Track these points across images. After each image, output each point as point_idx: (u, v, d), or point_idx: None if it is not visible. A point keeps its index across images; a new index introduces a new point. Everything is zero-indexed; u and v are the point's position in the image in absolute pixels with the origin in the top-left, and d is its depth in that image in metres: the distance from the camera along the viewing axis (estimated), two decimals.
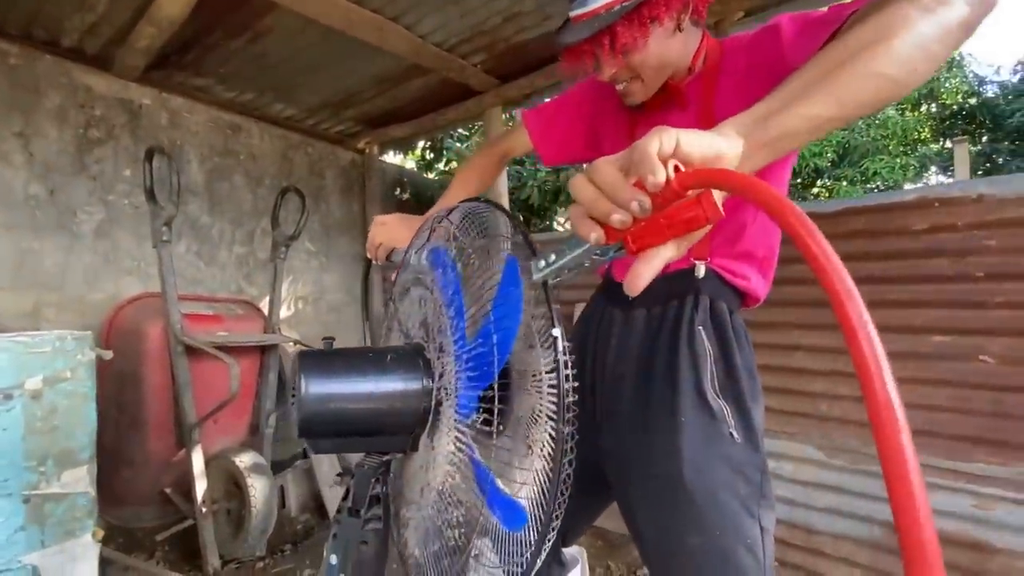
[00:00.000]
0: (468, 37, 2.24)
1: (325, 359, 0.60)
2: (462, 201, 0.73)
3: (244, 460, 2.09)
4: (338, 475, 0.74)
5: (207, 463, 2.03)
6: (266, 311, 2.51)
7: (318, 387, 0.57)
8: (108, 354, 1.15)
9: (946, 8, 0.50)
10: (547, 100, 1.15)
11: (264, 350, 2.41)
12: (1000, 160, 8.99)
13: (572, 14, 0.80)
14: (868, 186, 9.15)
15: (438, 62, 2.37)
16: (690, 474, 0.77)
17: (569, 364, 0.55)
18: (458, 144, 4.25)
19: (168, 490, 2.18)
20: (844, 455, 1.76)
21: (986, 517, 1.50)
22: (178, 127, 2.57)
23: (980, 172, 9.09)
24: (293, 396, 0.62)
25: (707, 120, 0.84)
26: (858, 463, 1.73)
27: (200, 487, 1.97)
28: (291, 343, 2.46)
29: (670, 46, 0.82)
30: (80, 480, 0.99)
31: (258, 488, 2.01)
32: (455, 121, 3.10)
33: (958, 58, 9.51)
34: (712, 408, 0.79)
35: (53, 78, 2.18)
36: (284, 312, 2.86)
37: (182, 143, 2.58)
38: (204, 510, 1.96)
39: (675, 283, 0.87)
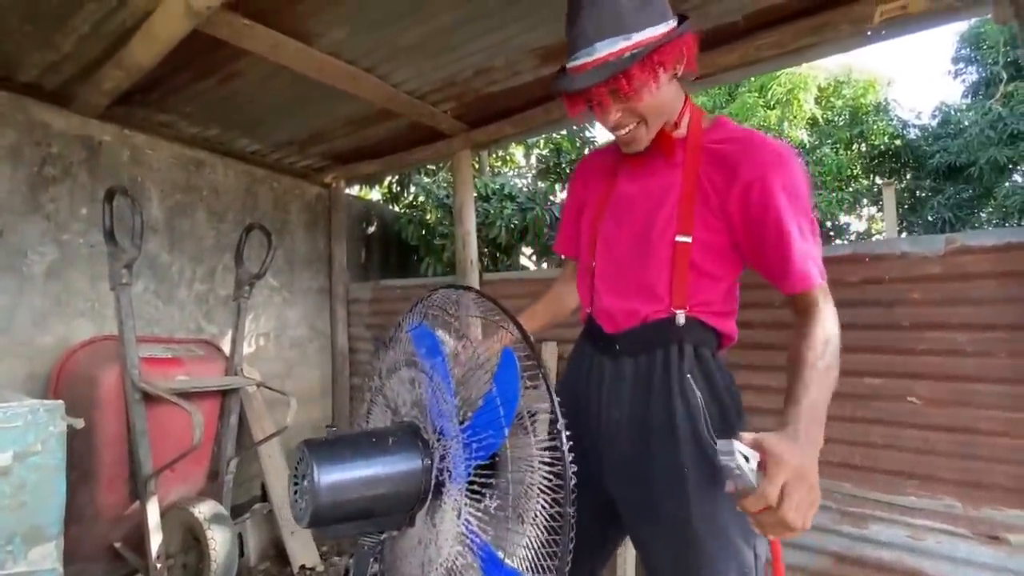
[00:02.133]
0: (440, 87, 2.32)
1: (333, 448, 0.63)
2: (447, 287, 0.79)
3: (203, 511, 2.02)
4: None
5: (162, 515, 1.95)
6: (227, 350, 2.45)
7: (329, 476, 0.60)
8: (80, 422, 1.11)
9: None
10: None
11: (225, 392, 2.35)
12: (923, 195, 9.85)
13: (578, 62, 0.86)
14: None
15: (409, 108, 2.44)
16: (698, 521, 0.86)
17: (568, 453, 0.62)
18: (427, 179, 4.31)
19: (118, 545, 2.07)
20: None
21: (919, 547, 1.64)
22: (139, 163, 2.52)
23: (905, 207, 9.93)
24: (295, 484, 0.65)
25: (691, 184, 0.93)
26: None
27: (155, 541, 1.88)
28: (253, 385, 2.40)
29: (668, 92, 0.91)
30: (47, 557, 0.94)
31: (219, 540, 1.95)
32: (424, 160, 3.17)
33: (883, 103, 10.42)
34: (710, 454, 0.85)
35: (8, 115, 2.10)
36: (245, 349, 2.79)
37: (143, 180, 2.52)
38: (159, 565, 1.87)
39: (658, 332, 0.95)
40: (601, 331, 1.02)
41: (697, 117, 0.98)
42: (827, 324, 0.87)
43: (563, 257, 1.28)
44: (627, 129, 0.92)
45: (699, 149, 0.94)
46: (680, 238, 0.93)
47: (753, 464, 0.65)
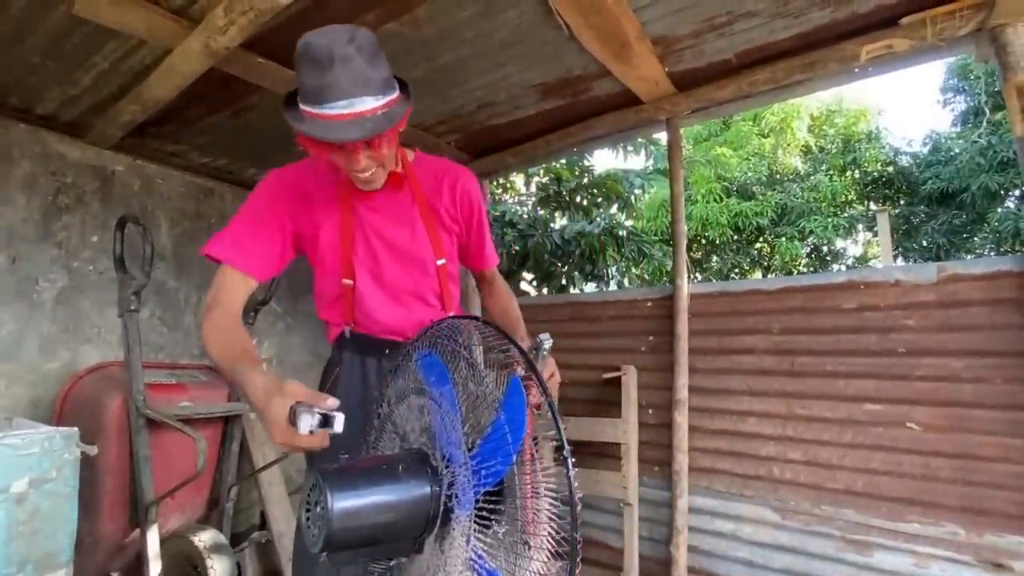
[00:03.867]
0: (444, 120, 2.40)
1: (345, 475, 0.66)
2: (455, 316, 0.82)
3: (203, 539, 2.00)
4: None
5: (162, 543, 1.93)
6: None
7: (342, 503, 0.62)
8: (93, 449, 1.13)
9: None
10: (220, 232, 1.13)
11: (228, 419, 2.36)
12: (916, 221, 9.97)
13: (332, 111, 0.93)
14: (805, 242, 9.91)
15: (414, 138, 2.52)
16: None
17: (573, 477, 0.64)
18: None
19: (115, 575, 2.04)
20: (798, 517, 1.88)
21: (924, 575, 1.64)
22: (150, 192, 2.58)
23: (900, 232, 10.04)
24: (308, 511, 0.67)
25: (427, 212, 1.20)
26: (810, 524, 1.85)
27: (154, 570, 1.87)
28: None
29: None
30: None
31: (218, 570, 1.93)
32: None
33: (875, 131, 10.65)
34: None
35: (26, 147, 2.16)
36: None
37: (153, 208, 2.58)
38: None
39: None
40: (377, 340, 1.21)
41: (404, 154, 1.22)
42: (507, 287, 1.42)
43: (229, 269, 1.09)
44: (371, 172, 1.06)
45: (416, 179, 1.20)
46: (439, 261, 1.22)
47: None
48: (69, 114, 2.24)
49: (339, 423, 0.68)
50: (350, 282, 1.17)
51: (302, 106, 0.97)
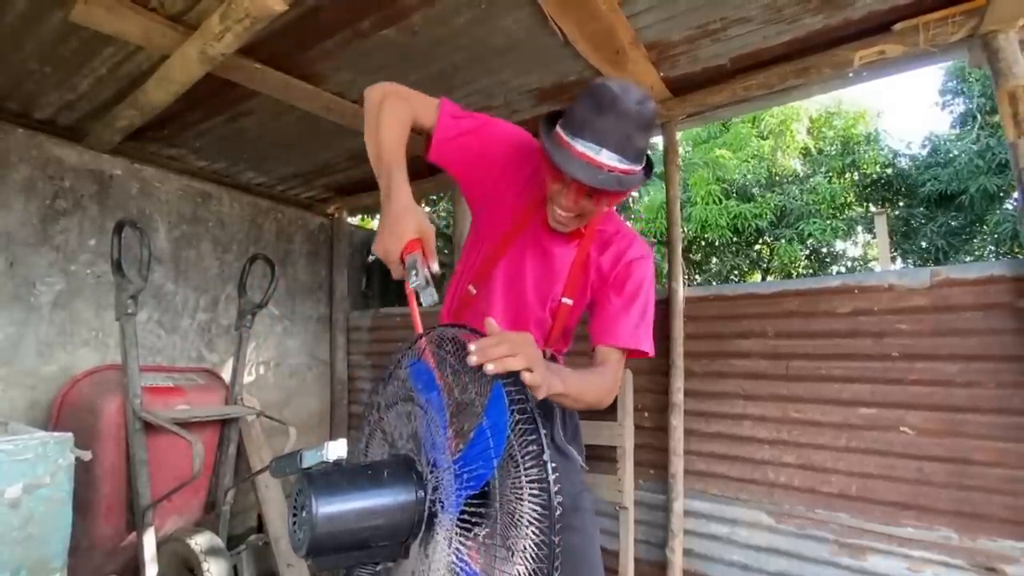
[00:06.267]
0: None
1: (331, 480, 0.66)
2: (444, 325, 0.83)
3: (199, 542, 2.01)
4: None
5: (158, 546, 1.94)
6: (227, 378, 2.47)
7: (327, 507, 0.63)
8: (87, 454, 1.13)
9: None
10: (473, 114, 1.21)
11: (225, 422, 2.36)
12: (915, 224, 9.97)
13: (579, 147, 0.97)
14: (804, 244, 9.92)
15: (412, 142, 2.52)
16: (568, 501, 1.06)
17: (553, 482, 0.65)
18: (427, 209, 4.41)
19: None
20: (792, 520, 1.88)
21: None
22: (148, 196, 2.59)
23: (899, 234, 10.05)
24: (294, 515, 0.68)
25: (582, 262, 1.19)
26: (805, 528, 1.85)
27: (150, 573, 1.87)
28: (253, 414, 2.41)
29: None
30: None
31: (214, 573, 1.93)
32: (426, 191, 3.25)
33: (874, 133, 10.66)
34: (566, 452, 1.33)
35: (24, 151, 2.17)
36: (245, 378, 2.80)
37: (151, 212, 2.59)
38: None
39: None
40: None
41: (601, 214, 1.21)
42: (610, 378, 1.19)
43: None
44: (570, 216, 1.07)
45: (593, 233, 1.19)
46: (564, 300, 1.20)
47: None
48: (67, 119, 2.26)
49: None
50: (475, 290, 1.22)
51: (559, 128, 1.01)
